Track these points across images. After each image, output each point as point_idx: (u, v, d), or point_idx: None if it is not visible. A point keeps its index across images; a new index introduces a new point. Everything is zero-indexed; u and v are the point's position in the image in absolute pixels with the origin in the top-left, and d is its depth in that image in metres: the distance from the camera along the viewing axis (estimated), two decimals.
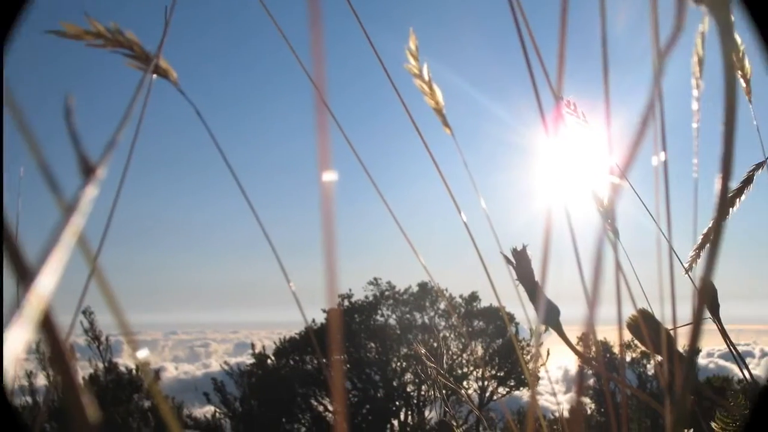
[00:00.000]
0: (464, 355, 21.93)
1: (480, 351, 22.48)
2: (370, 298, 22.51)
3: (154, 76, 0.89)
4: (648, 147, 0.70)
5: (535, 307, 1.07)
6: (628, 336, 1.02)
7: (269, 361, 21.05)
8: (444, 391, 2.26)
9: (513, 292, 1.08)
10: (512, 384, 22.11)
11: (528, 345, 19.85)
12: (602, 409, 18.99)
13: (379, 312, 22.35)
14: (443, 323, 22.75)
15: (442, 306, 22.15)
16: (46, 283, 0.31)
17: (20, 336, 0.29)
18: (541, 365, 1.65)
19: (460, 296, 23.18)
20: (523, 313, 1.09)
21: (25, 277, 0.31)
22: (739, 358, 1.34)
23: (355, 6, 1.03)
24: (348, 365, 20.00)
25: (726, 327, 1.27)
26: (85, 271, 0.51)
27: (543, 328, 1.05)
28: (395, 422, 20.43)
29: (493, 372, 22.01)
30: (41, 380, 16.34)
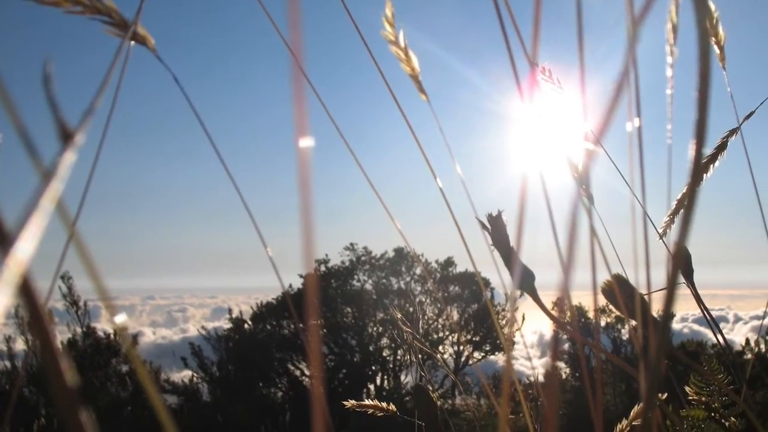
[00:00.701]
0: (440, 320, 22.04)
1: (455, 316, 22.59)
2: (347, 264, 22.55)
3: (132, 42, 0.88)
4: (622, 113, 0.71)
5: (510, 272, 1.07)
6: (602, 301, 1.02)
7: (246, 325, 21.08)
8: (420, 356, 2.28)
9: (488, 258, 1.08)
10: (487, 349, 22.26)
11: (503, 310, 19.91)
12: (577, 374, 19.15)
13: (356, 277, 22.40)
14: (419, 288, 22.84)
15: (418, 271, 22.22)
16: (25, 248, 0.31)
17: None
18: (516, 330, 1.66)
19: (436, 261, 23.26)
20: (499, 278, 1.09)
21: (4, 242, 0.31)
22: (713, 323, 1.35)
23: None
24: (324, 330, 20.04)
25: (700, 292, 1.28)
26: (64, 237, 0.51)
27: (518, 293, 1.06)
28: (371, 386, 20.54)
29: (469, 337, 22.13)
30: (20, 345, 16.31)
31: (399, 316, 2.05)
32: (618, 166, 1.28)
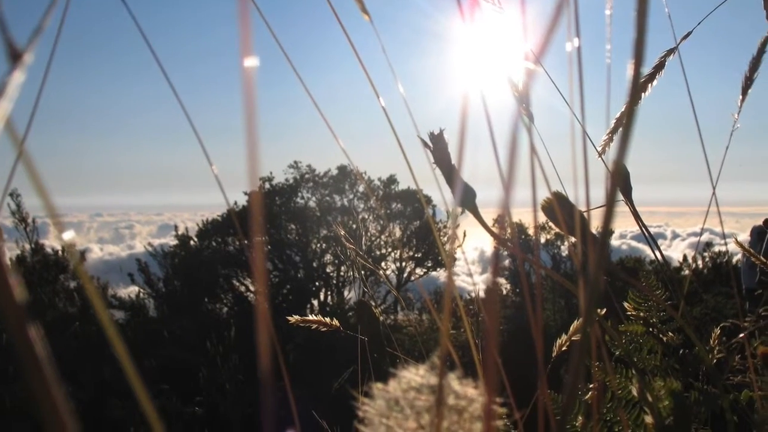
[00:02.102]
0: (382, 237, 22.15)
1: (398, 233, 22.72)
2: (291, 181, 22.46)
3: None
4: (562, 33, 0.71)
5: (451, 189, 1.08)
6: (542, 218, 1.04)
7: (192, 242, 21.02)
8: (363, 272, 2.29)
9: (430, 175, 1.09)
10: (429, 265, 22.48)
11: (445, 227, 20.01)
12: (517, 290, 19.44)
13: (300, 195, 22.36)
14: (362, 206, 22.89)
15: (361, 189, 22.23)
16: None
17: None
18: (458, 247, 1.67)
19: (379, 179, 23.29)
20: (440, 195, 1.10)
21: None
22: (651, 240, 1.37)
23: None
24: (269, 246, 20.03)
25: (638, 209, 1.30)
26: (12, 155, 0.51)
27: (459, 210, 1.07)
28: (315, 302, 20.67)
29: (411, 253, 22.30)
30: None
31: (342, 232, 2.06)
32: (558, 86, 1.29)
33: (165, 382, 12.67)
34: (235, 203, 20.21)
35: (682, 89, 1.42)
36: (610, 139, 1.30)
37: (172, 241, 21.03)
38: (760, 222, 9.08)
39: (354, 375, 1.86)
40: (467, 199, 1.09)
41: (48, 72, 0.80)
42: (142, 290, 19.13)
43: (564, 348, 1.56)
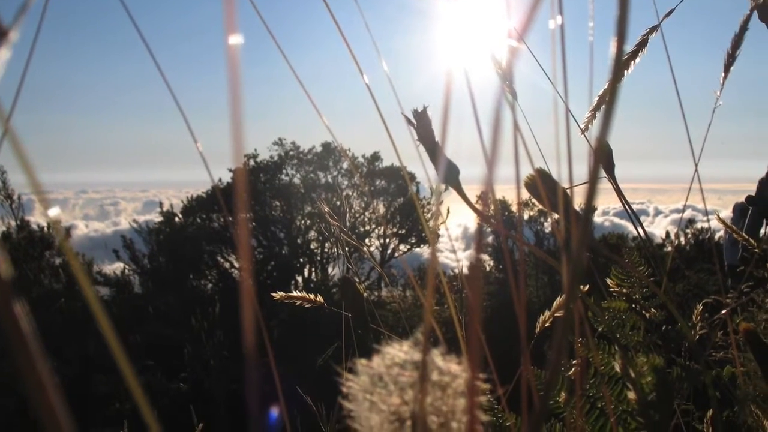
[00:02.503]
0: (366, 214, 22.16)
1: (382, 209, 22.73)
2: (275, 158, 22.41)
3: None
4: (545, 11, 0.71)
5: (435, 166, 1.08)
6: (525, 195, 1.04)
7: (177, 219, 20.98)
8: (347, 249, 2.30)
9: (414, 152, 1.09)
10: (413, 241, 22.51)
11: (428, 203, 20.10)
12: (501, 266, 19.47)
13: (284, 171, 22.31)
14: (346, 182, 22.88)
15: (345, 166, 22.20)
16: None
17: None
18: (441, 223, 1.68)
19: (363, 156, 23.26)
20: (424, 172, 1.11)
21: None
22: (634, 216, 1.38)
23: None
24: (253, 223, 20.02)
25: (621, 186, 1.31)
26: None
27: (443, 187, 1.07)
28: (299, 278, 20.69)
29: (395, 230, 22.32)
30: None
31: (326, 209, 2.06)
32: (541, 63, 1.29)
33: (150, 358, 12.69)
34: (220, 180, 20.18)
35: (665, 67, 1.42)
36: (593, 116, 1.31)
37: (157, 218, 20.99)
38: (742, 199, 9.07)
39: (338, 351, 1.86)
40: (451, 176, 1.09)
41: (34, 49, 0.80)
42: (127, 266, 19.12)
43: (547, 324, 1.57)
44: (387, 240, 22.23)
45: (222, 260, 20.38)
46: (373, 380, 0.57)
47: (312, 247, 21.31)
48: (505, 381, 1.08)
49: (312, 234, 21.37)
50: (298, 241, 21.13)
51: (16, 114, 0.67)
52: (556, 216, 1.03)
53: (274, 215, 21.29)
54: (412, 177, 18.29)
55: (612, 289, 1.82)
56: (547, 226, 20.33)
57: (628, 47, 1.33)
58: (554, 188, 1.03)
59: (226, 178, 20.42)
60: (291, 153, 22.60)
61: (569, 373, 1.30)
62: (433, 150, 1.08)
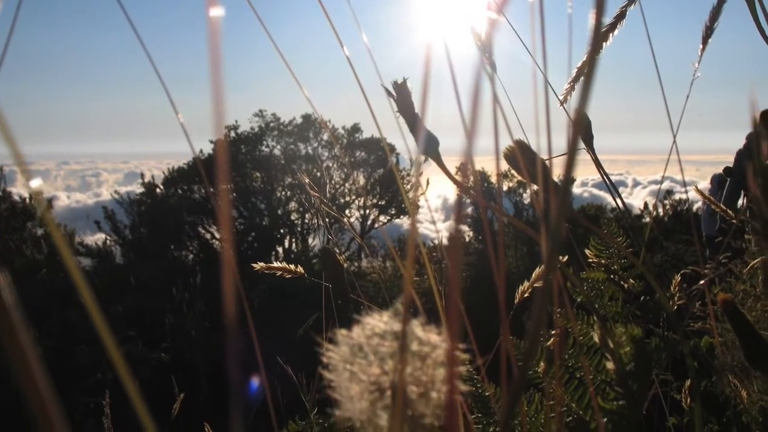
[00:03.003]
0: (346, 185, 22.14)
1: (362, 181, 22.71)
2: (256, 130, 22.31)
3: None
4: None
5: (415, 138, 1.09)
6: (505, 166, 1.04)
7: (158, 190, 20.88)
8: (327, 220, 2.30)
9: (394, 124, 1.09)
10: (393, 212, 22.50)
11: (408, 175, 20.08)
12: (480, 237, 19.51)
13: (265, 143, 22.22)
14: (326, 154, 22.81)
15: (325, 137, 22.13)
16: None
17: None
18: (421, 194, 1.68)
19: (343, 127, 23.18)
20: (404, 143, 1.11)
21: None
22: (612, 188, 1.38)
23: None
24: (234, 194, 19.96)
25: (600, 157, 1.31)
26: None
27: (423, 158, 1.07)
28: (280, 249, 20.66)
29: (375, 201, 22.31)
30: None
31: (307, 180, 2.06)
32: (520, 35, 1.29)
33: (131, 329, 12.66)
34: (201, 151, 20.10)
35: (644, 39, 1.43)
36: (572, 88, 1.31)
37: (139, 189, 20.89)
38: (720, 170, 9.13)
39: (318, 321, 1.87)
40: (430, 148, 1.09)
41: (16, 21, 0.79)
42: (108, 237, 19.07)
43: (526, 295, 1.58)
44: (367, 211, 22.22)
45: (203, 231, 20.33)
46: (353, 350, 0.58)
47: (292, 218, 21.28)
48: (484, 351, 1.09)
49: (292, 205, 21.33)
50: (279, 212, 21.09)
51: None
52: (535, 187, 1.03)
53: (254, 186, 21.23)
54: (392, 148, 18.26)
55: (591, 260, 1.83)
56: (526, 198, 20.35)
57: (607, 19, 1.33)
58: (533, 160, 1.04)
59: (207, 149, 20.36)
60: (272, 124, 22.51)
61: (548, 343, 1.31)
62: (413, 122, 1.08)
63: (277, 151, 22.30)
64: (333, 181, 21.91)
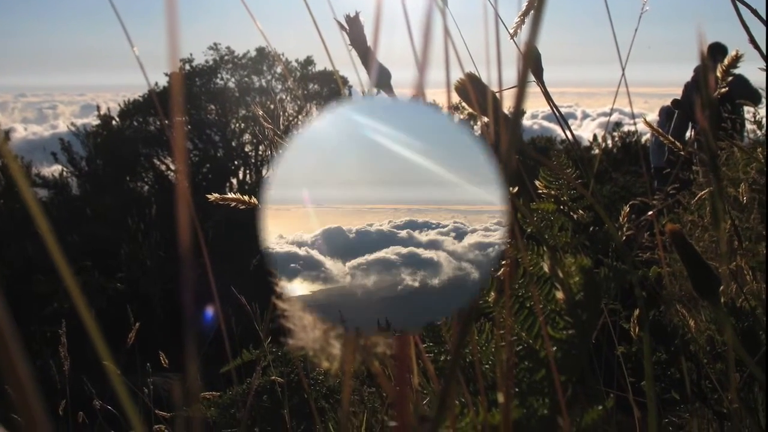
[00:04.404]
0: (300, 117, 22.01)
1: (315, 113, 22.60)
2: (210, 63, 22.01)
3: None
4: None
5: (367, 71, 1.09)
6: (456, 99, 1.05)
7: (114, 122, 20.60)
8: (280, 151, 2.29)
9: (346, 57, 1.09)
10: None
11: None
12: None
13: (219, 76, 21.95)
14: (280, 86, 22.60)
15: (278, 70, 21.90)
16: None
17: None
18: None
19: (296, 61, 22.93)
20: (356, 76, 1.11)
21: None
22: (562, 120, 1.40)
23: None
24: (189, 126, 19.76)
25: (549, 90, 1.32)
26: None
27: (375, 90, 1.08)
28: (234, 180, 20.57)
29: None
30: None
31: (260, 113, 2.05)
32: None
33: (87, 258, 12.59)
34: (156, 84, 19.80)
35: None
36: (522, 22, 1.31)
37: (95, 121, 20.58)
38: (668, 102, 9.18)
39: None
40: (382, 80, 1.10)
41: None
42: (65, 169, 18.84)
43: None
44: None
45: (158, 163, 20.14)
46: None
47: (247, 149, 21.13)
48: None
49: (247, 137, 21.17)
50: (233, 144, 20.93)
51: None
52: (485, 119, 1.04)
53: (209, 119, 21.02)
54: (345, 81, 18.06)
55: (540, 191, 1.84)
56: (477, 130, 20.34)
57: None
58: (484, 92, 1.05)
59: (163, 82, 20.06)
60: (226, 58, 22.21)
61: (498, 273, 1.33)
62: (365, 54, 1.09)
63: (231, 84, 22.06)
64: (286, 113, 21.75)
